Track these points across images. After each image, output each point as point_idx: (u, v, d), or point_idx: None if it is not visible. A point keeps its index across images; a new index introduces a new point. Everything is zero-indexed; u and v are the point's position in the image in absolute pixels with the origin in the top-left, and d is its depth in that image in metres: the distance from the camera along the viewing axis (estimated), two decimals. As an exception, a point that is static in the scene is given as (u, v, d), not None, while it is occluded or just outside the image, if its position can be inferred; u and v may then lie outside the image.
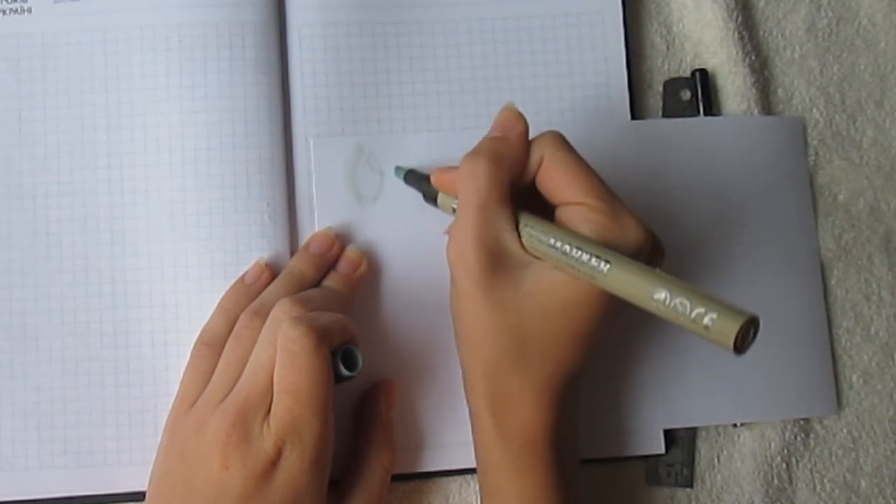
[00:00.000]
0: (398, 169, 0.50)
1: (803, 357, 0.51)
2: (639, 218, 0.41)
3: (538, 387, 0.42)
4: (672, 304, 0.36)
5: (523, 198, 0.43)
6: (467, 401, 0.45)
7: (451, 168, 0.45)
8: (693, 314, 0.35)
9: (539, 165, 0.42)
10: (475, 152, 0.42)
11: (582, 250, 0.39)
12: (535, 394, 0.42)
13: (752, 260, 0.51)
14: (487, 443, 0.43)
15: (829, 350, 0.52)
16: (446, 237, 0.43)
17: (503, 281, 0.41)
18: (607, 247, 0.39)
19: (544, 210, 0.43)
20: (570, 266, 0.40)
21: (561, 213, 0.42)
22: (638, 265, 0.38)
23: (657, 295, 0.37)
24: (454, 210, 0.45)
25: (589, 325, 0.41)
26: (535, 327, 0.41)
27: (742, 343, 0.35)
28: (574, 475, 0.44)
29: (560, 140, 0.42)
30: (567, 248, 0.40)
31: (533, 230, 0.41)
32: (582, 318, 0.41)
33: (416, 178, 0.49)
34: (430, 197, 0.47)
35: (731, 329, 0.34)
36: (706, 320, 0.35)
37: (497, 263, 0.41)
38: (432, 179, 0.47)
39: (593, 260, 0.39)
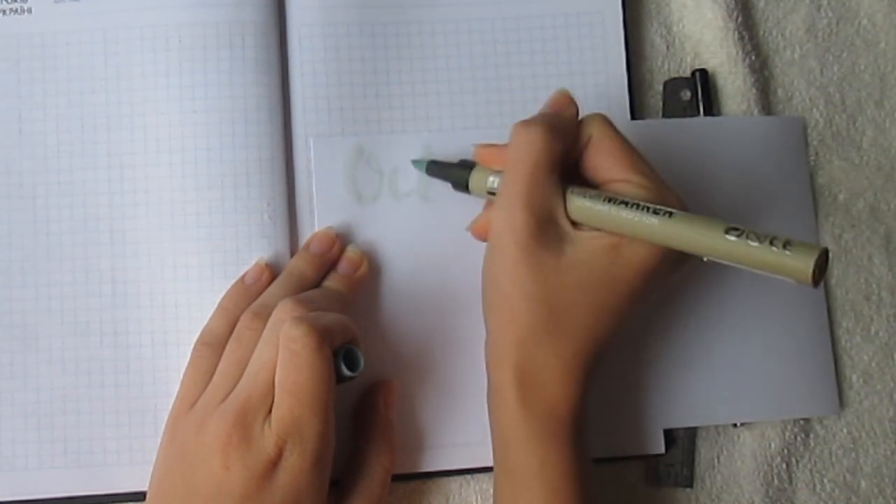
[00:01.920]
0: (417, 162, 0.49)
1: (804, 357, 0.51)
2: (681, 196, 0.42)
3: (569, 359, 0.42)
4: (745, 238, 0.37)
5: (566, 179, 0.43)
6: (489, 375, 0.45)
7: (494, 143, 0.46)
8: (771, 244, 0.36)
9: (587, 144, 0.43)
10: (530, 120, 0.43)
11: (639, 206, 0.40)
12: (564, 366, 0.42)
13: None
14: (509, 417, 0.43)
15: (830, 350, 0.52)
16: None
17: (547, 248, 0.41)
18: None
19: None
20: (624, 225, 0.40)
21: (606, 189, 0.43)
22: (698, 215, 0.40)
23: (729, 232, 0.37)
24: (489, 193, 0.45)
25: (624, 299, 0.42)
26: (573, 298, 0.41)
27: (818, 275, 0.35)
28: (588, 461, 0.44)
29: (608, 120, 0.44)
30: (623, 205, 0.41)
31: (583, 196, 0.42)
32: (618, 292, 0.42)
33: (442, 167, 0.48)
34: (461, 183, 0.47)
35: (810, 257, 0.35)
36: (785, 249, 0.36)
37: (543, 230, 0.42)
38: (475, 153, 0.47)
39: (653, 212, 0.40)
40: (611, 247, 0.41)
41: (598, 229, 0.42)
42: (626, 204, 0.41)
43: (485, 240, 0.45)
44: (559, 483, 0.42)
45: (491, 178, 0.45)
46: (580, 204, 0.42)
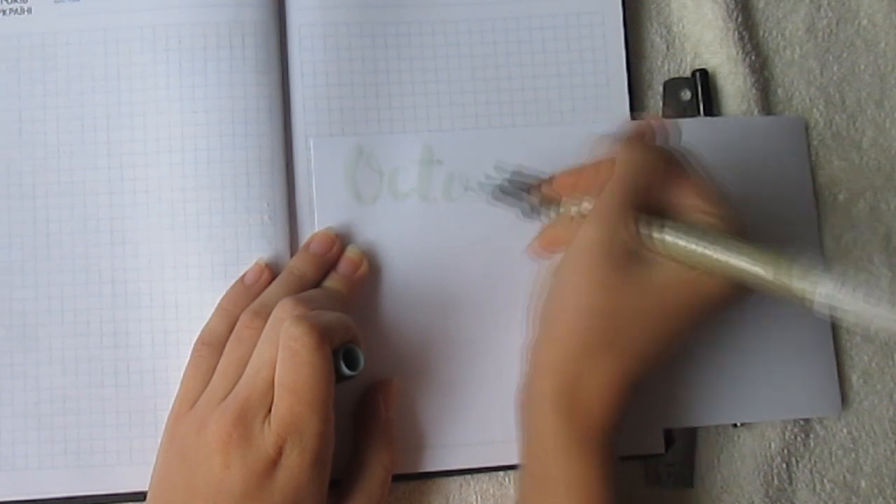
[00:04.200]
0: (482, 185, 0.49)
1: (806, 357, 0.51)
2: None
3: (615, 376, 0.42)
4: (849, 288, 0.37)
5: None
6: (527, 377, 0.44)
7: (576, 169, 0.46)
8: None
9: (671, 174, 0.43)
10: (650, 143, 0.43)
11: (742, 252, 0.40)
12: (609, 382, 0.42)
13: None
14: (543, 426, 0.43)
15: (832, 349, 0.52)
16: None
17: (623, 266, 0.41)
18: None
19: None
20: (717, 267, 0.40)
21: (687, 219, 0.43)
22: (797, 259, 0.39)
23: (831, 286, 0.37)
24: (575, 217, 0.45)
25: (686, 326, 0.42)
26: (635, 319, 0.41)
27: None
28: (615, 473, 0.44)
29: (691, 155, 0.44)
30: (716, 245, 0.40)
31: (678, 230, 0.42)
32: (684, 319, 0.42)
33: (514, 192, 0.48)
34: (535, 209, 0.47)
35: None
36: None
37: (625, 249, 0.42)
38: (558, 183, 0.46)
39: (754, 259, 0.40)
40: (692, 276, 0.41)
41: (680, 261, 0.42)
42: (719, 243, 0.40)
43: (549, 254, 0.46)
44: (587, 496, 0.42)
45: (585, 204, 0.44)
46: (672, 239, 0.42)
